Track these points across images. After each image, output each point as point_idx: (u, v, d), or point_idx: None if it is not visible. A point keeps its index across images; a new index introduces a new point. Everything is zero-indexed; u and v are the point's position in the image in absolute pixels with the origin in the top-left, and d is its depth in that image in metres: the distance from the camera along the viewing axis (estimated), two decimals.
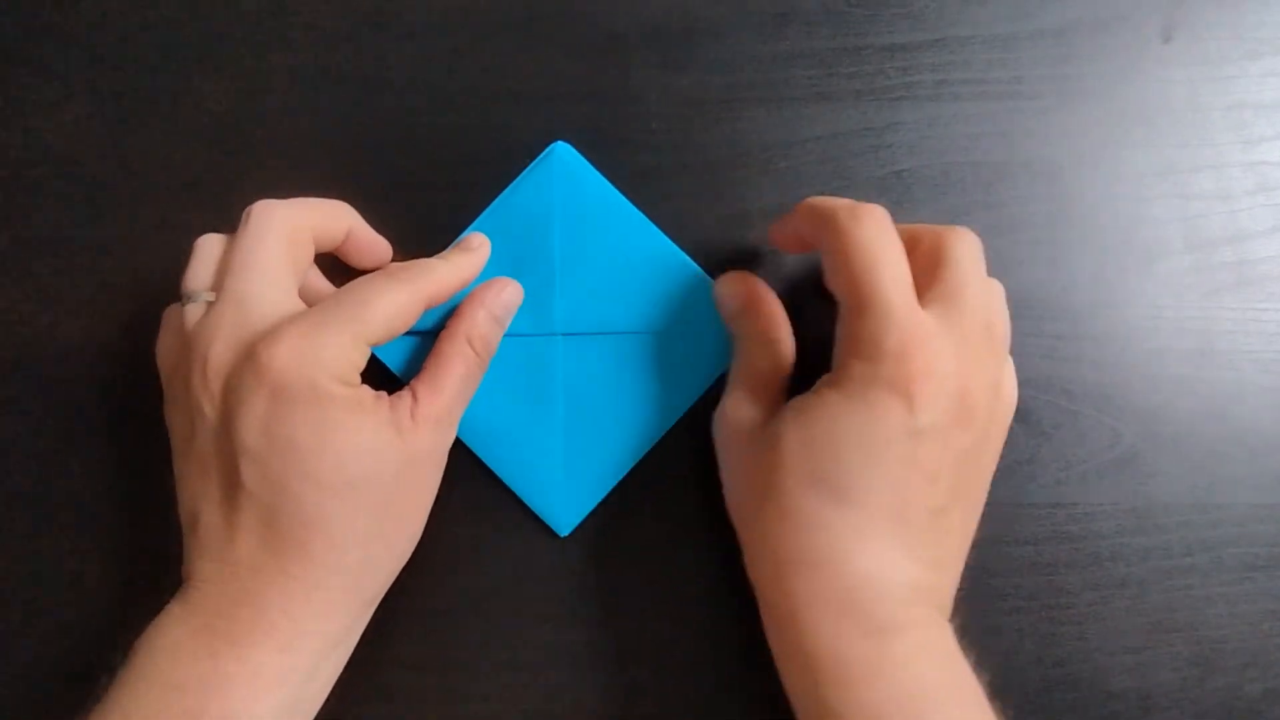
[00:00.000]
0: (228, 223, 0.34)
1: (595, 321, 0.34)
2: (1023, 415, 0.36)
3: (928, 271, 0.30)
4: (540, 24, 0.38)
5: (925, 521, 0.28)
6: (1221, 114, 0.38)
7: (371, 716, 0.34)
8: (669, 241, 0.35)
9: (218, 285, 0.30)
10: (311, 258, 0.32)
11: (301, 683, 0.28)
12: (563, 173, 0.35)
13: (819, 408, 0.28)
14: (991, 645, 0.35)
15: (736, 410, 0.32)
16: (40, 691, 0.35)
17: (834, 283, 0.29)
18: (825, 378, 0.29)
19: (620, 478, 0.35)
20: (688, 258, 0.35)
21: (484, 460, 0.35)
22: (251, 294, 0.29)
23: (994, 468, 0.31)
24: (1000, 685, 0.35)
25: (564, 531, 0.34)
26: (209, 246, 0.32)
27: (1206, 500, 0.35)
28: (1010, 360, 0.31)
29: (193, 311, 0.30)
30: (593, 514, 0.35)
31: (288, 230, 0.31)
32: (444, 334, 0.32)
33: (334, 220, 0.33)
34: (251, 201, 0.33)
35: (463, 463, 0.35)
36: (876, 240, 0.28)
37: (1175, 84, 0.38)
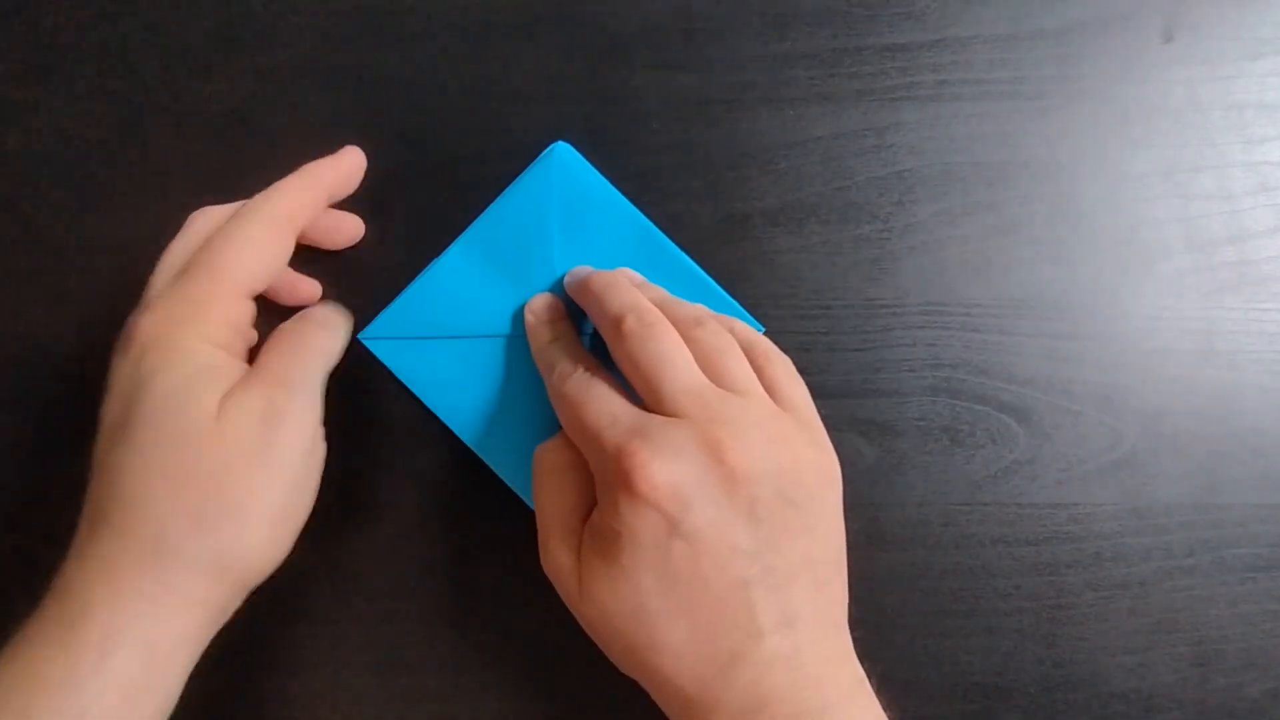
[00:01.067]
0: None
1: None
2: (1024, 415, 0.36)
3: None
4: (541, 24, 0.38)
5: (742, 601, 0.27)
6: (1222, 114, 0.38)
7: (372, 717, 0.34)
8: (669, 241, 0.35)
9: None
10: None
11: (82, 690, 0.25)
12: (562, 172, 0.34)
13: (604, 550, 0.28)
14: (992, 645, 0.35)
15: (549, 554, 0.30)
16: None
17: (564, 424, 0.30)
18: (597, 512, 0.29)
19: None
20: (687, 258, 0.35)
21: (485, 460, 0.34)
22: (154, 291, 0.30)
23: (820, 478, 0.29)
24: (1001, 685, 0.35)
25: None
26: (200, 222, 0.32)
27: (1208, 500, 0.35)
28: (763, 348, 0.31)
29: None
30: None
31: (196, 232, 0.31)
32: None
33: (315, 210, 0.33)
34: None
35: (463, 462, 0.35)
36: (583, 387, 0.29)
37: (1176, 84, 0.38)
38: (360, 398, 0.32)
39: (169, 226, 0.36)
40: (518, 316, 0.34)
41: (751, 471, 0.27)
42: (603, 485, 0.28)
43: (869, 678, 0.28)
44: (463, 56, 0.37)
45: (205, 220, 0.32)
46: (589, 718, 0.34)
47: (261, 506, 0.28)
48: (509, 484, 0.34)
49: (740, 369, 0.30)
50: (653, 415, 0.28)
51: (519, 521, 0.35)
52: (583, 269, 0.34)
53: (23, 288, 0.36)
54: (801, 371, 0.32)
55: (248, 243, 0.29)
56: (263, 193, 0.31)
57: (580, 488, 0.30)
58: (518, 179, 0.35)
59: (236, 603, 0.29)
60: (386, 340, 0.34)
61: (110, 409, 0.28)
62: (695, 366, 0.29)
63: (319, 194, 0.32)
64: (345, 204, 0.35)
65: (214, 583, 0.28)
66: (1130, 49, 0.38)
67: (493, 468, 0.34)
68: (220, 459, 0.27)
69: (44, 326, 0.36)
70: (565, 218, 0.34)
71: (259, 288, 0.29)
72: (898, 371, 0.36)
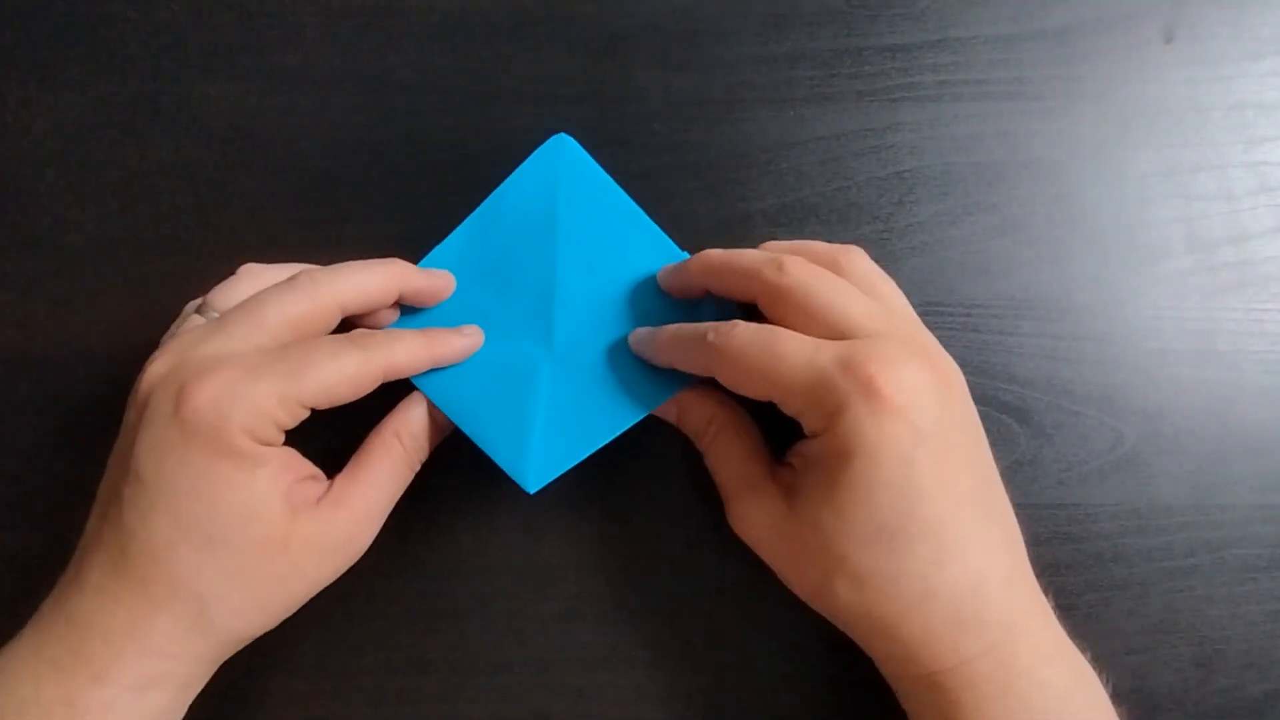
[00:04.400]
0: (227, 223, 0.34)
1: (592, 318, 0.34)
2: (1024, 416, 0.36)
3: None
4: (540, 24, 0.38)
5: (977, 509, 0.28)
6: (1223, 114, 0.38)
7: (372, 717, 0.34)
8: (667, 238, 0.35)
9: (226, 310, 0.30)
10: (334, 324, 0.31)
11: (129, 710, 0.27)
12: (565, 164, 0.34)
13: (832, 475, 0.27)
14: None
15: (746, 512, 0.31)
16: None
17: (754, 390, 0.29)
18: (816, 443, 0.28)
19: (602, 443, 0.32)
20: (685, 253, 0.35)
21: (471, 437, 0.32)
22: (230, 332, 0.29)
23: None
24: None
25: (532, 487, 0.32)
26: (250, 279, 0.32)
27: (1208, 501, 0.35)
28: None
29: (191, 322, 0.31)
30: (593, 516, 0.35)
31: (241, 289, 0.31)
32: (376, 428, 0.32)
33: (377, 300, 0.32)
34: (248, 201, 0.33)
35: (463, 462, 0.35)
36: (753, 334, 0.29)
37: (1177, 84, 0.38)
38: (360, 400, 0.32)
39: (169, 227, 0.36)
40: (513, 306, 0.34)
41: (957, 381, 0.28)
42: (821, 413, 0.27)
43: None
44: (463, 56, 0.37)
45: (253, 279, 0.32)
46: (590, 717, 0.34)
47: (299, 605, 0.30)
48: (499, 463, 0.32)
49: (888, 288, 0.31)
50: (852, 339, 0.28)
51: (519, 520, 0.35)
52: (678, 264, 0.33)
53: (23, 288, 0.36)
54: None
55: (340, 374, 0.29)
56: (396, 337, 0.31)
57: (747, 438, 0.31)
58: (519, 169, 0.34)
59: None
60: None
61: (143, 453, 0.27)
62: (861, 291, 0.30)
63: (426, 362, 0.32)
64: (350, 204, 0.35)
65: (233, 648, 0.30)
66: (1130, 49, 0.38)
67: (480, 445, 0.32)
68: (281, 573, 0.29)
69: (44, 327, 0.36)
70: (567, 209, 0.34)
71: (320, 408, 0.29)
72: None
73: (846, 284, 0.30)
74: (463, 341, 0.32)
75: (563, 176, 0.34)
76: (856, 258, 0.31)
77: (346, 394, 0.29)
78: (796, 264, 0.30)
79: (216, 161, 0.37)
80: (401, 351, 0.30)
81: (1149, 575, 0.35)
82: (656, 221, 0.35)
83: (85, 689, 0.27)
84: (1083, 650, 0.29)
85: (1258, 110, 0.38)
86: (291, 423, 0.29)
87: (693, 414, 0.32)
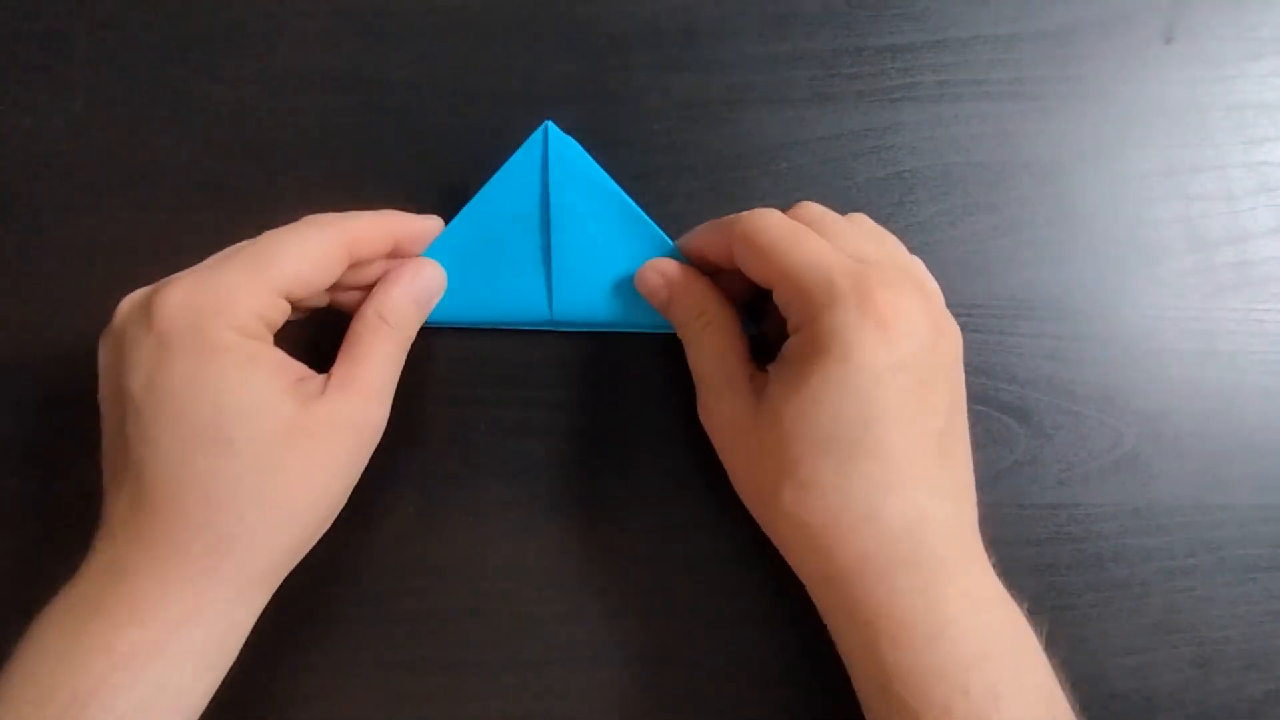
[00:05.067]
0: (227, 222, 0.34)
1: (586, 306, 0.34)
2: (1025, 416, 0.36)
3: None
4: (540, 24, 0.38)
5: (935, 450, 0.28)
6: (1223, 114, 0.38)
7: (372, 717, 0.34)
8: (652, 223, 0.34)
9: None
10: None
11: (163, 662, 0.26)
12: (551, 151, 0.34)
13: (802, 372, 0.28)
14: None
15: (716, 405, 0.31)
16: None
17: (760, 268, 0.30)
18: (796, 340, 0.29)
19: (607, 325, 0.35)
20: (670, 239, 0.35)
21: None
22: (209, 262, 0.29)
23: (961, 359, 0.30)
24: None
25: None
26: None
27: (1209, 501, 0.35)
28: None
29: None
30: (592, 516, 0.35)
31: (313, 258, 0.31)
32: (356, 313, 0.31)
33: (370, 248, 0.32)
34: (247, 201, 0.32)
35: (465, 461, 0.35)
36: (783, 221, 0.30)
37: (1176, 85, 0.38)
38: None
39: (169, 227, 0.36)
40: (508, 297, 0.34)
41: (951, 335, 0.29)
42: (811, 305, 0.28)
43: None
44: (463, 57, 0.38)
45: (303, 236, 0.31)
46: (591, 717, 0.34)
47: (332, 510, 0.30)
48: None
49: (898, 247, 0.32)
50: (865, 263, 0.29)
51: (519, 520, 0.35)
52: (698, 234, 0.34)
53: (23, 288, 0.36)
54: None
55: (306, 251, 0.29)
56: (337, 214, 0.31)
57: (734, 335, 0.32)
58: (509, 160, 0.35)
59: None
60: None
61: (134, 384, 0.27)
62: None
63: (387, 238, 0.32)
64: (350, 204, 0.35)
65: (280, 568, 0.29)
66: (1130, 49, 0.38)
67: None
68: (299, 466, 0.28)
69: (45, 327, 0.36)
70: (557, 197, 0.34)
71: (295, 295, 0.29)
72: None
73: (861, 230, 0.31)
74: (424, 223, 0.33)
75: (551, 165, 0.34)
76: (863, 219, 0.32)
77: (318, 276, 0.29)
78: (809, 205, 0.32)
79: (216, 162, 0.37)
80: (362, 223, 0.30)
81: (1149, 575, 0.35)
82: (657, 221, 0.35)
83: (122, 631, 0.25)
84: (1020, 602, 0.29)
85: (1258, 110, 0.38)
86: (275, 315, 0.28)
87: (685, 301, 0.32)
